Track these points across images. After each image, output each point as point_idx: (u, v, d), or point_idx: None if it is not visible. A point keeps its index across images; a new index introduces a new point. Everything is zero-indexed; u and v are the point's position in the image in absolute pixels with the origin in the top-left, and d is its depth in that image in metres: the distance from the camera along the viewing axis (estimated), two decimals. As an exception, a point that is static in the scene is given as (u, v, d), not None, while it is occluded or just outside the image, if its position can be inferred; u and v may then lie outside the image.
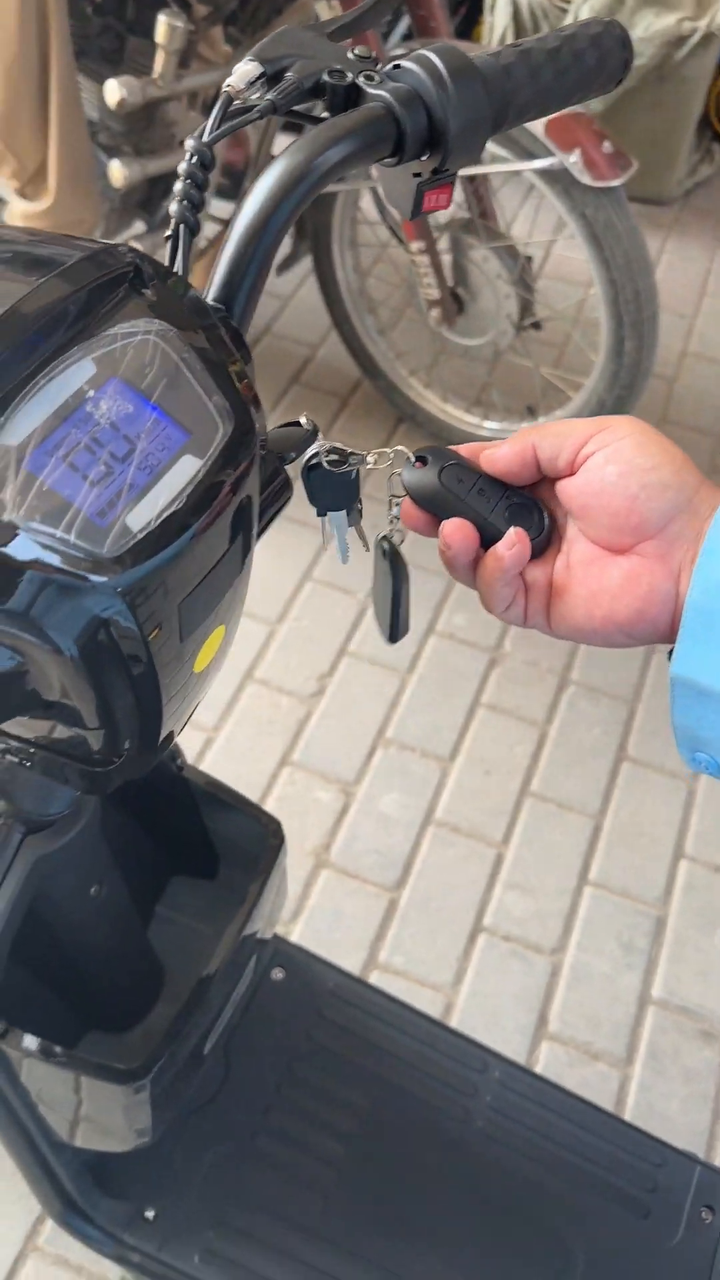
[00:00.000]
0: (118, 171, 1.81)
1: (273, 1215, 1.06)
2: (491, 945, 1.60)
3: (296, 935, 1.59)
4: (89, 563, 0.47)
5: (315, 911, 1.61)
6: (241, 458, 0.54)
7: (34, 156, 1.76)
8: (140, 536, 0.49)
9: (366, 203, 2.15)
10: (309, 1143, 1.11)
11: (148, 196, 2.08)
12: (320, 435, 0.65)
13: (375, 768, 1.79)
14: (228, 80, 0.60)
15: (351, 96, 0.61)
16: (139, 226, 2.10)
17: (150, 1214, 1.06)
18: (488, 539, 0.57)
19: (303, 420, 0.65)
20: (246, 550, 0.58)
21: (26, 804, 0.78)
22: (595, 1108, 1.14)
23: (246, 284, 0.59)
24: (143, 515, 0.49)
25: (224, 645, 0.62)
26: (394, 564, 0.65)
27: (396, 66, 0.60)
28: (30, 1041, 0.84)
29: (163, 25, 1.62)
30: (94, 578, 0.48)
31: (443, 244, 2.03)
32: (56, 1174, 0.99)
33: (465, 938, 1.60)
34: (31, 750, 0.62)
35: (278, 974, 1.19)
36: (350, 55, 0.62)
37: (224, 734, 1.81)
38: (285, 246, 2.27)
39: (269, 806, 1.72)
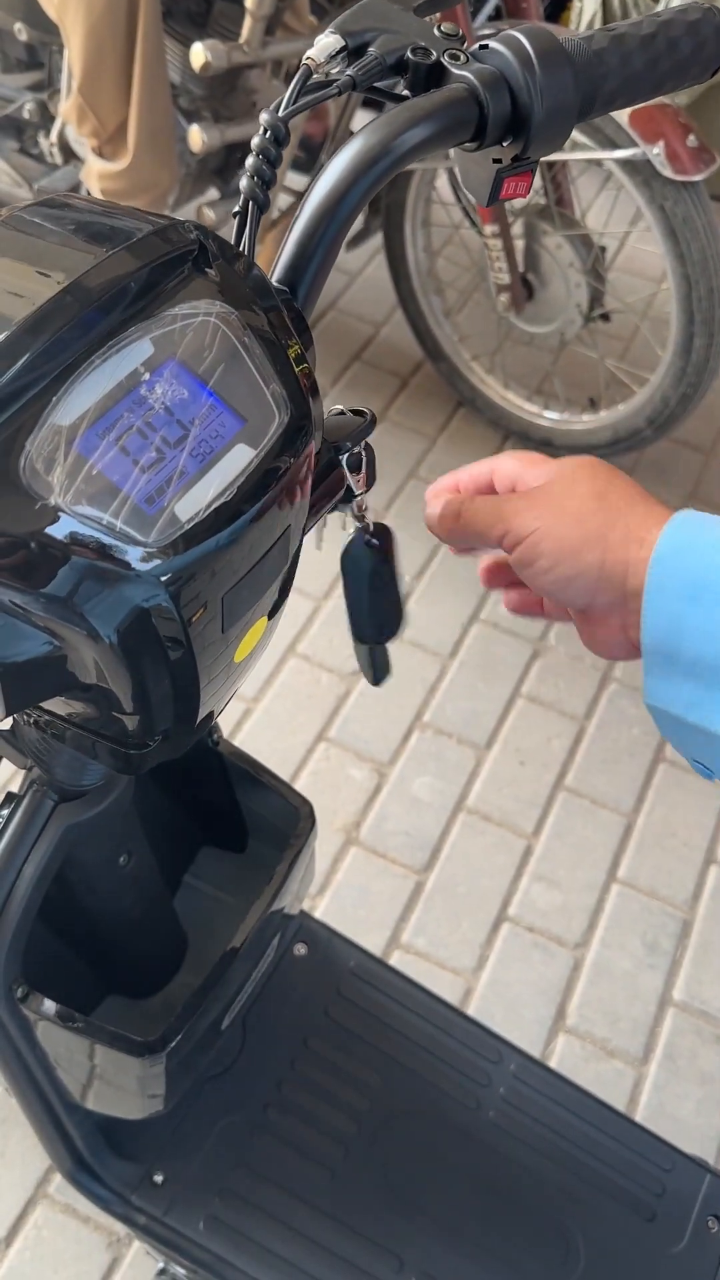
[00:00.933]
0: (197, 136, 1.80)
1: (279, 1187, 1.07)
2: (515, 935, 1.60)
3: (321, 910, 1.59)
4: (134, 551, 0.46)
5: (342, 888, 1.62)
6: (297, 448, 0.52)
7: (114, 116, 1.75)
8: (188, 526, 0.48)
9: (441, 182, 2.13)
10: (319, 1118, 1.11)
11: (224, 163, 2.07)
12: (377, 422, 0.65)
13: (410, 750, 1.79)
14: (308, 52, 0.59)
15: (434, 76, 0.60)
16: (213, 193, 2.09)
17: (159, 1178, 1.07)
18: None
19: (358, 409, 0.64)
20: (295, 543, 0.58)
21: (60, 773, 0.79)
22: (608, 1107, 1.14)
23: (313, 266, 0.58)
24: (192, 504, 0.48)
25: (265, 636, 0.61)
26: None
27: (483, 47, 0.59)
28: (50, 1007, 0.84)
29: (250, -10, 1.60)
30: (138, 566, 0.47)
31: (516, 229, 2.00)
32: (69, 1132, 1.01)
33: (489, 925, 1.60)
34: (66, 727, 0.61)
35: (300, 949, 1.20)
36: (436, 32, 0.60)
37: (262, 706, 1.81)
38: (358, 221, 2.26)
39: (302, 781, 1.72)
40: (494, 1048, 1.17)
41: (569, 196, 2.02)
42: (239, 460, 0.50)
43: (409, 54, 0.59)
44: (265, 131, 0.57)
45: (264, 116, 0.58)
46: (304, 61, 0.59)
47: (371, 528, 0.70)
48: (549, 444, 2.23)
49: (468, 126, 0.59)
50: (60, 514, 0.46)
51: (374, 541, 0.70)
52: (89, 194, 0.52)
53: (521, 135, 0.60)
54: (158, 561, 0.47)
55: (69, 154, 2.09)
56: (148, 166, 1.82)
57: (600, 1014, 1.54)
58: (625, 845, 1.70)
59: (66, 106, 1.82)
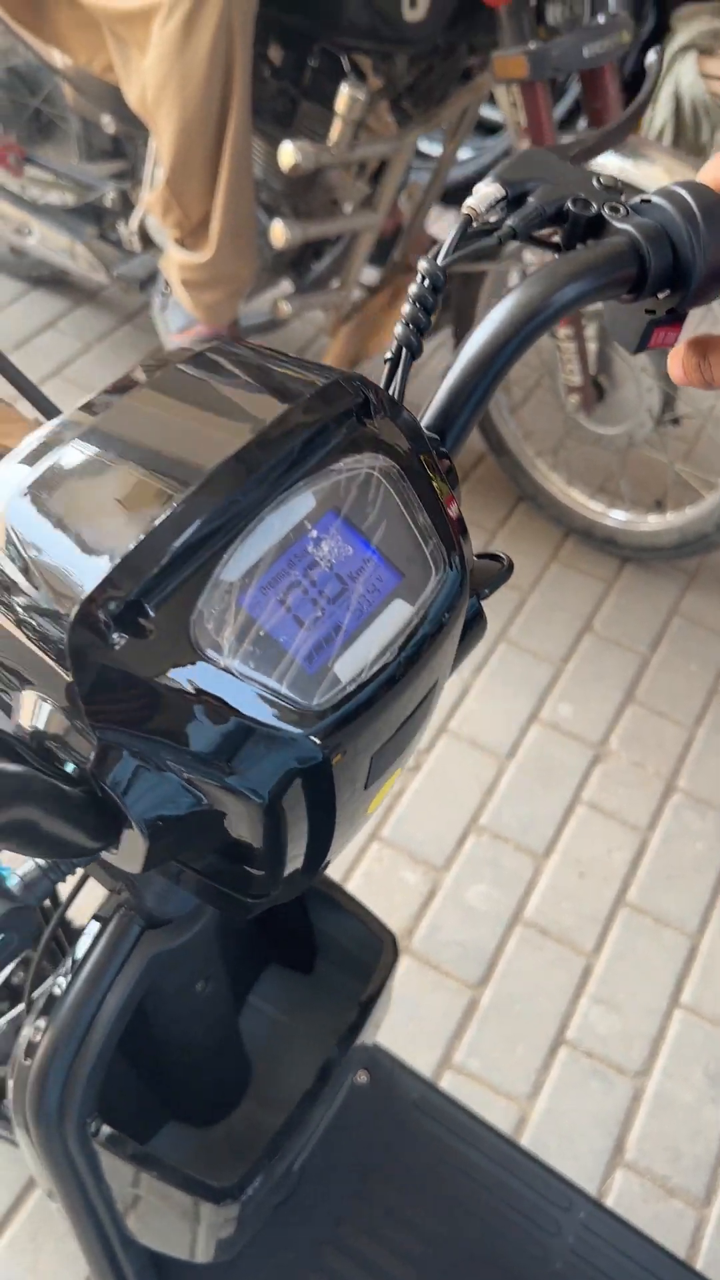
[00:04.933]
0: (280, 232, 1.82)
1: (334, 1336, 1.01)
2: (573, 1060, 1.54)
3: (372, 1023, 1.54)
4: (296, 714, 0.45)
5: (393, 1000, 1.56)
6: (453, 604, 0.51)
7: (199, 209, 1.78)
8: (350, 689, 0.46)
9: (513, 280, 2.14)
10: (377, 1264, 1.06)
11: (299, 257, 2.09)
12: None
13: (466, 854, 1.74)
14: (468, 201, 0.58)
15: (594, 227, 0.58)
16: (285, 286, 2.11)
17: (210, 1318, 1.02)
18: None
19: (494, 554, 0.62)
20: (439, 694, 0.55)
21: (149, 900, 0.76)
22: (685, 1266, 1.08)
23: (464, 416, 0.57)
24: (352, 664, 0.47)
25: (390, 788, 0.59)
26: None
27: (645, 201, 0.58)
28: (125, 1144, 0.80)
29: (345, 96, 1.63)
30: (299, 729, 0.45)
31: (590, 332, 2.01)
32: (122, 1269, 0.96)
33: (546, 1049, 1.54)
34: (183, 872, 0.59)
35: (362, 1077, 1.15)
36: (595, 183, 0.59)
37: (317, 803, 1.77)
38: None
39: (355, 882, 1.68)
40: (563, 1194, 1.11)
41: (643, 302, 2.02)
42: (397, 617, 0.49)
43: (569, 205, 0.58)
44: (423, 280, 0.56)
45: (422, 265, 0.56)
46: (464, 210, 0.57)
47: None
48: (612, 543, 2.21)
49: (627, 278, 0.57)
50: (229, 675, 0.44)
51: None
52: (236, 342, 0.51)
53: (680, 288, 0.58)
54: (318, 724, 0.45)
55: (147, 242, 2.12)
56: (229, 259, 1.84)
57: (661, 1149, 1.47)
58: (689, 969, 1.64)
59: (151, 198, 1.85)
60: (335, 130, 1.71)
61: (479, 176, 2.95)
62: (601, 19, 1.69)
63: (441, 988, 1.58)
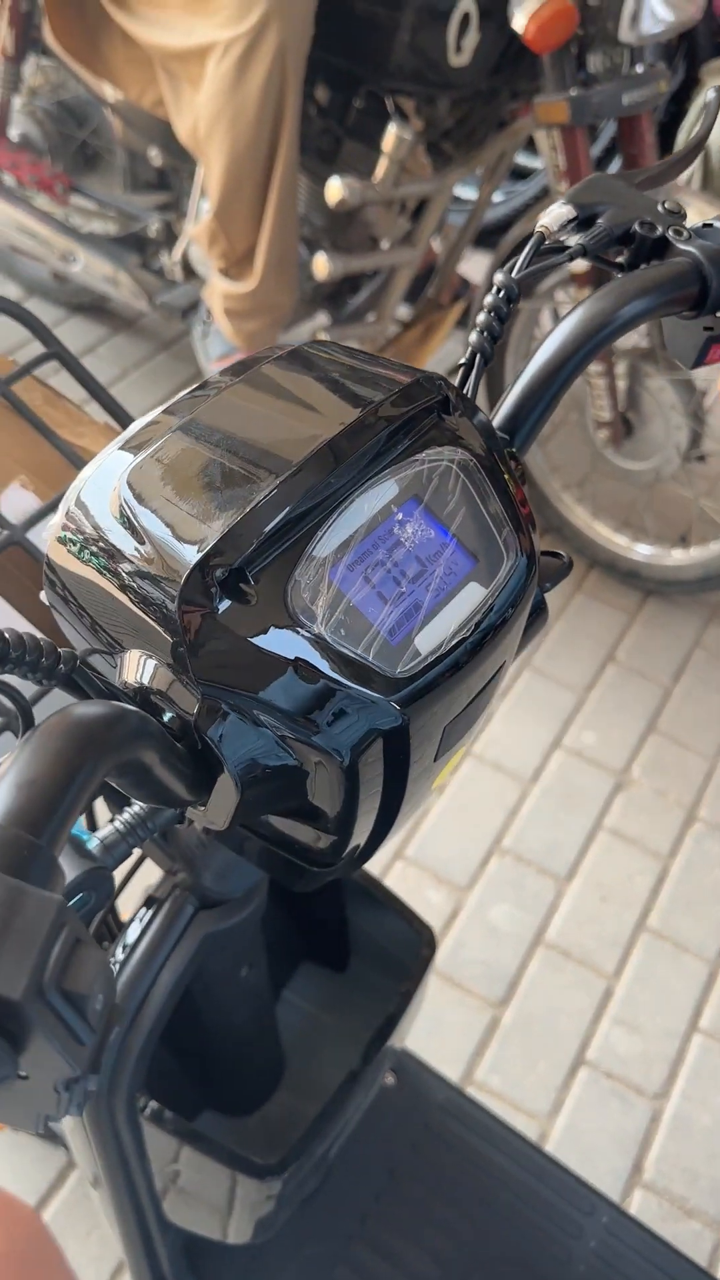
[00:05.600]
0: (324, 265, 1.87)
1: (361, 1331, 1.03)
2: (593, 1080, 1.55)
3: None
4: (380, 681, 0.49)
5: (418, 1016, 1.59)
6: (524, 587, 0.55)
7: (245, 240, 1.84)
8: (430, 659, 0.50)
9: (544, 316, 2.20)
10: (403, 1259, 1.08)
11: (337, 291, 2.15)
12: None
13: (489, 875, 1.77)
14: (541, 220, 0.63)
15: (658, 249, 0.63)
16: (322, 318, 2.17)
17: (239, 1308, 1.04)
18: None
19: (554, 551, 0.66)
20: (503, 674, 0.59)
21: (207, 880, 0.79)
22: (706, 1272, 1.09)
23: (533, 418, 0.61)
24: (431, 638, 0.51)
25: (456, 765, 0.63)
26: None
27: (707, 225, 0.62)
28: (172, 1120, 0.83)
29: (392, 136, 1.69)
30: (383, 694, 0.49)
31: (620, 369, 2.06)
32: (157, 1254, 0.98)
33: (566, 1068, 1.56)
34: (251, 839, 0.62)
35: (389, 1079, 1.18)
36: (660, 208, 0.64)
37: (343, 820, 1.80)
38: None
39: (380, 900, 1.70)
40: (586, 1199, 1.13)
41: (672, 341, 2.07)
42: (472, 598, 0.53)
43: (636, 227, 0.62)
44: (499, 291, 0.60)
45: (498, 277, 0.61)
46: (538, 229, 0.62)
47: None
48: (636, 576, 2.25)
49: (689, 297, 0.62)
50: (321, 641, 0.48)
51: None
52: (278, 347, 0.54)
53: (739, 307, 0.62)
54: (400, 691, 0.49)
55: (189, 272, 2.19)
56: (272, 290, 1.89)
57: (679, 1170, 1.49)
58: (709, 994, 1.66)
59: (197, 229, 1.91)
60: (380, 168, 1.77)
61: (511, 220, 3.03)
62: (640, 69, 1.76)
63: (464, 1005, 1.61)
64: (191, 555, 0.48)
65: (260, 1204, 0.86)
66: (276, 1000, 1.10)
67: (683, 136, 2.44)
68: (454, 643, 0.51)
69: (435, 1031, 1.57)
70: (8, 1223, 0.33)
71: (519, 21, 1.61)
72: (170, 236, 2.23)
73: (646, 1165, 1.48)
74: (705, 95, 0.76)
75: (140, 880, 0.98)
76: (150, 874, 0.88)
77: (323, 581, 0.49)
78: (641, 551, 2.24)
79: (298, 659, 0.48)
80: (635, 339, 2.07)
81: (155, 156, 2.14)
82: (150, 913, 0.82)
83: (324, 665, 0.48)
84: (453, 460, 0.54)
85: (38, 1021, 0.36)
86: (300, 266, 1.97)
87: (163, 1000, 0.81)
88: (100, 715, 0.45)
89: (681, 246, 0.62)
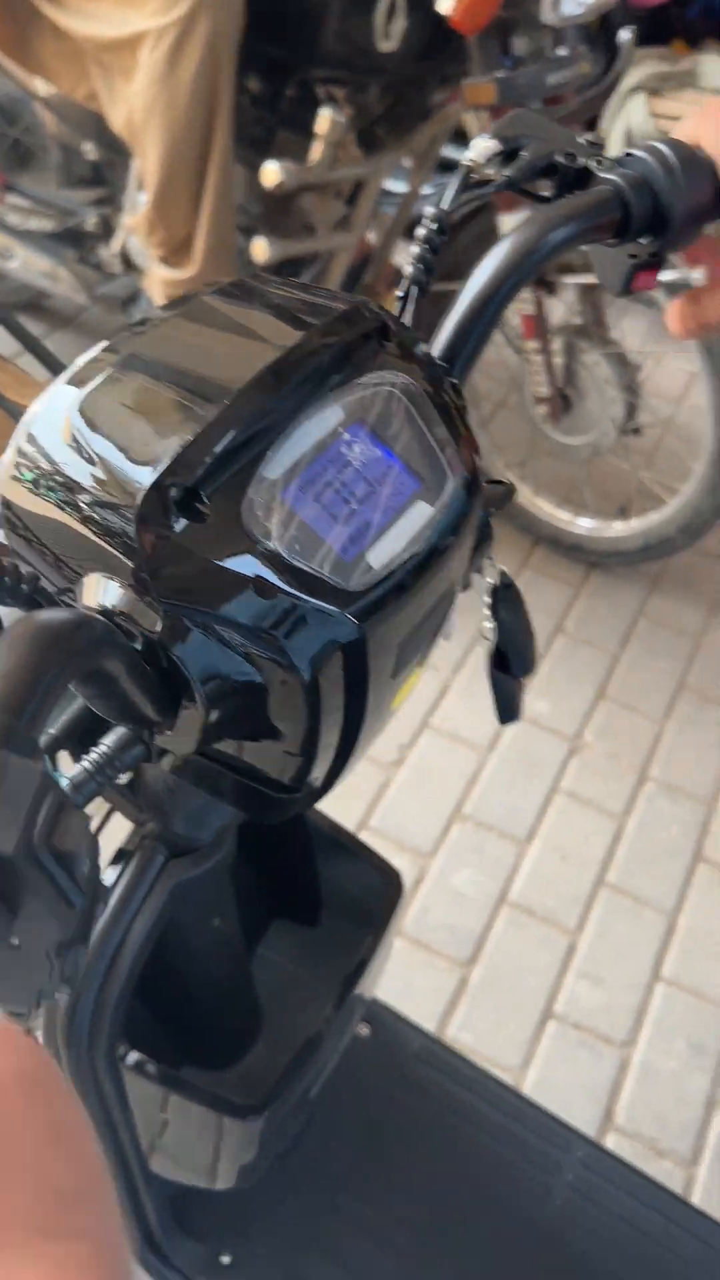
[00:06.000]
0: (262, 249, 1.90)
1: (346, 1271, 1.05)
2: (561, 1033, 1.59)
3: (366, 1002, 1.59)
4: (335, 594, 0.51)
5: (385, 979, 1.61)
6: (469, 505, 0.57)
7: (184, 228, 1.85)
8: (383, 574, 0.52)
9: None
10: (387, 1203, 1.10)
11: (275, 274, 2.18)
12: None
13: (451, 842, 1.80)
14: (467, 154, 0.65)
15: (581, 179, 0.66)
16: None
17: (226, 1259, 1.05)
18: None
19: (497, 479, 0.69)
20: (454, 595, 0.62)
21: (177, 826, 0.81)
22: (680, 1199, 1.13)
23: (470, 346, 0.64)
24: (382, 554, 0.53)
25: (413, 688, 0.65)
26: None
27: (628, 154, 0.65)
28: (154, 1068, 0.85)
29: (325, 118, 1.72)
30: (338, 607, 0.51)
31: (555, 345, 2.10)
32: (143, 1207, 0.99)
33: (535, 1022, 1.59)
34: (212, 769, 0.64)
35: (363, 1030, 1.20)
36: (581, 140, 0.67)
37: (305, 796, 1.83)
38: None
39: (345, 872, 1.73)
40: (562, 1135, 1.16)
41: (605, 318, 2.12)
42: (419, 516, 0.55)
43: (559, 158, 0.65)
44: (432, 223, 0.63)
45: (428, 210, 0.63)
46: (465, 162, 0.65)
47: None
48: (579, 549, 2.29)
49: (612, 224, 0.65)
50: (277, 557, 0.50)
51: (514, 583, 0.73)
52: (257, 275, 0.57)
53: (661, 233, 0.66)
54: (355, 604, 0.51)
55: (128, 264, 2.20)
56: (211, 275, 1.91)
57: (648, 1114, 1.52)
58: (669, 945, 1.70)
59: (136, 219, 1.92)
60: (315, 151, 1.79)
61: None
62: (563, 51, 1.80)
63: (433, 967, 1.63)
64: (147, 477, 0.50)
65: (243, 1149, 0.88)
66: (252, 957, 1.12)
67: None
68: (405, 557, 0.53)
69: (405, 993, 1.59)
70: (13, 1049, 0.35)
71: (445, 4, 1.64)
72: (107, 230, 2.24)
73: (617, 1111, 1.52)
74: (620, 35, 0.79)
75: (108, 842, 0.99)
76: (119, 834, 0.90)
77: (274, 500, 0.50)
78: (584, 525, 2.28)
79: (256, 576, 0.50)
80: (569, 314, 2.12)
81: (89, 150, 2.15)
82: (121, 865, 0.84)
83: (280, 580, 0.50)
84: (394, 384, 0.56)
85: (29, 880, 0.38)
86: (239, 253, 1.99)
87: (136, 950, 0.83)
88: (67, 619, 0.47)
89: (603, 175, 0.65)
